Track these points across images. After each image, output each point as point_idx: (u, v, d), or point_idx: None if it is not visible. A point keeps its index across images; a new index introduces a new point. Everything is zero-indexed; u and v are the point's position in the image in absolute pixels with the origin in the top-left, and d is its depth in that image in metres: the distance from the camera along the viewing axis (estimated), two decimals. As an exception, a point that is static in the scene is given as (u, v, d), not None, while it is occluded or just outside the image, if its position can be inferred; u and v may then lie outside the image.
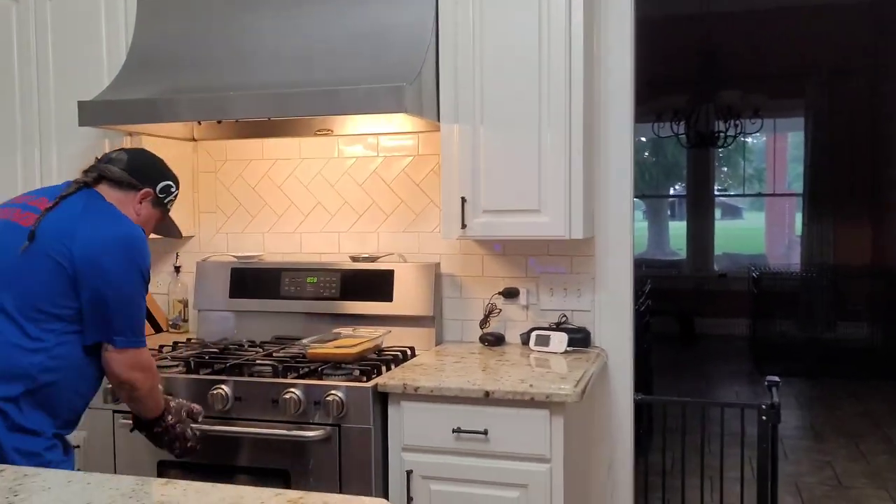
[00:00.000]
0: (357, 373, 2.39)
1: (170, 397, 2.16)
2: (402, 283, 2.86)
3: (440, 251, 2.96)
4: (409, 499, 2.31)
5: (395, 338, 2.83)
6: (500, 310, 2.89)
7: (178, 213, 3.23)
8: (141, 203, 2.04)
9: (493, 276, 2.91)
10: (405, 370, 2.44)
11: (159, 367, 2.53)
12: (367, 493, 2.30)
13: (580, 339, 2.74)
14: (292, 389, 2.33)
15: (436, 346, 2.85)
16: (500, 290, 2.88)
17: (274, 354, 2.67)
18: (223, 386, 2.39)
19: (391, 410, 2.35)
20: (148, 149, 2.92)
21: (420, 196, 2.97)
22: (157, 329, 3.21)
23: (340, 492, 2.31)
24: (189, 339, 2.97)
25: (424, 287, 2.85)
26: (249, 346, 2.85)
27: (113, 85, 2.80)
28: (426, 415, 2.31)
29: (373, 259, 2.94)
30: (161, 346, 2.82)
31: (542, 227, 2.55)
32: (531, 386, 2.22)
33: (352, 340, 2.58)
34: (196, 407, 2.20)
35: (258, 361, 2.55)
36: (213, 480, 1.39)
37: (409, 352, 2.72)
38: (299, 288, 2.96)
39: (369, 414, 2.29)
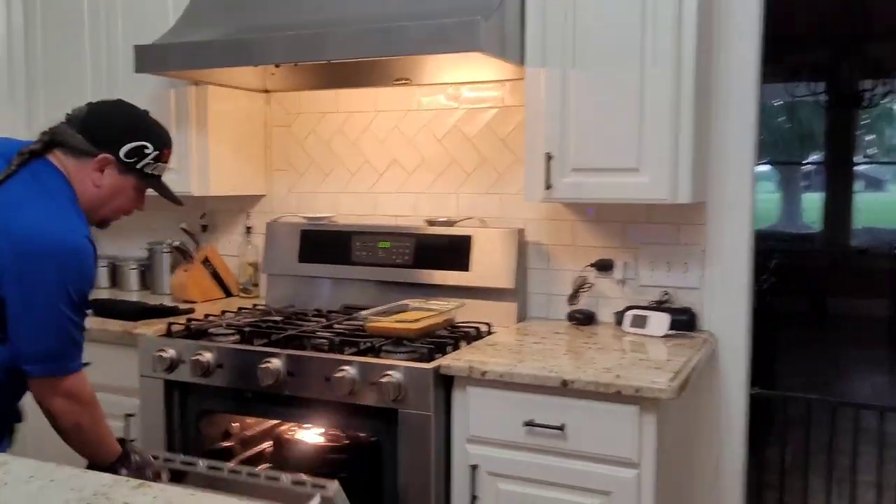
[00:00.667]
0: (422, 351, 2.10)
1: (134, 445, 1.81)
2: (481, 250, 2.55)
3: (526, 216, 2.62)
4: (474, 498, 2.02)
5: (471, 312, 2.52)
6: (592, 284, 2.53)
7: (249, 170, 3.08)
8: (102, 172, 1.67)
9: (586, 246, 2.55)
10: (475, 350, 2.14)
11: (213, 335, 2.34)
12: (426, 489, 2.02)
13: (684, 322, 2.35)
14: (346, 367, 2.07)
15: (517, 322, 2.53)
16: (593, 262, 2.52)
17: (335, 326, 2.42)
18: (274, 359, 2.16)
19: (456, 396, 2.05)
20: (213, 101, 2.75)
21: (504, 153, 2.64)
22: (227, 293, 3.03)
23: (395, 487, 2.05)
24: (255, 306, 2.77)
25: (506, 256, 2.52)
26: (314, 316, 2.62)
27: (176, 27, 2.59)
28: (495, 403, 2.00)
29: (450, 223, 2.64)
30: (223, 312, 2.63)
31: (640, 189, 2.17)
32: (618, 377, 1.86)
33: (417, 314, 2.29)
34: (164, 476, 1.79)
35: (318, 333, 2.30)
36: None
37: (484, 328, 2.41)
38: (371, 253, 2.70)
39: (429, 399, 2.01)
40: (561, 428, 1.91)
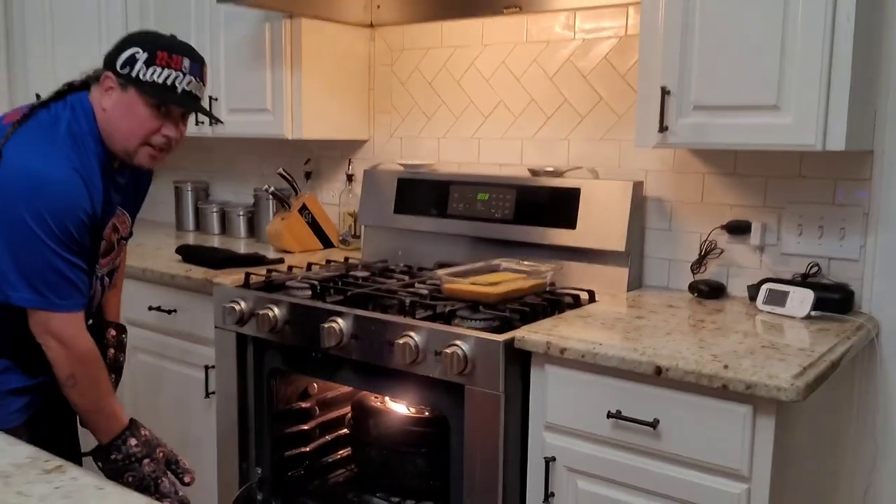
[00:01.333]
0: (500, 319, 1.80)
1: (142, 426, 1.68)
2: (590, 205, 2.19)
3: (647, 166, 2.22)
4: (550, 494, 1.71)
5: (575, 276, 2.19)
6: (723, 250, 2.10)
7: (350, 113, 2.85)
8: (106, 93, 1.56)
9: (717, 203, 2.12)
10: (562, 322, 1.80)
11: (288, 287, 2.15)
12: (493, 479, 1.74)
13: (836, 301, 1.88)
14: (411, 333, 1.81)
15: (627, 291, 2.16)
16: (725, 224, 2.09)
17: (416, 285, 2.16)
18: (339, 319, 1.94)
19: (534, 375, 1.74)
20: (309, 36, 2.54)
21: (625, 92, 2.24)
22: (327, 244, 2.86)
23: (461, 473, 1.78)
24: (346, 259, 2.56)
25: (619, 212, 2.14)
26: (401, 273, 2.37)
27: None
28: (576, 387, 1.67)
29: (557, 174, 2.29)
30: (310, 265, 2.45)
31: (781, 133, 1.72)
32: (726, 367, 1.47)
33: (502, 276, 1.99)
34: (184, 462, 1.71)
35: (391, 293, 2.06)
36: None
37: (584, 297, 2.07)
38: (468, 206, 2.41)
39: (498, 377, 1.71)
40: (653, 424, 1.56)
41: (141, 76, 1.54)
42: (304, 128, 2.58)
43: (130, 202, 1.80)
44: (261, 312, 2.08)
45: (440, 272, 2.00)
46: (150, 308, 2.48)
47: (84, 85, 1.63)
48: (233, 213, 3.12)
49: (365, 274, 2.33)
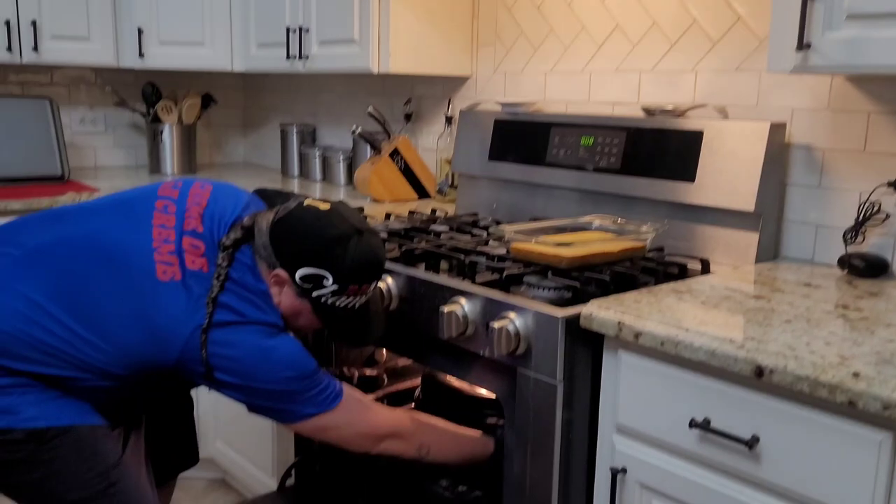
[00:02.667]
0: (576, 289, 1.43)
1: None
2: (715, 153, 1.74)
3: (792, 104, 1.73)
4: (618, 514, 1.35)
5: (692, 241, 1.76)
6: (888, 215, 1.59)
7: (453, 46, 2.48)
8: (278, 288, 1.43)
9: (885, 154, 1.61)
10: (650, 297, 1.40)
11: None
12: (546, 487, 1.39)
13: None
14: (460, 300, 1.48)
15: (757, 262, 1.70)
16: (893, 180, 1.57)
17: (491, 243, 1.82)
18: (388, 278, 1.65)
19: (606, 362, 1.37)
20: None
21: (769, 9, 1.75)
22: (422, 194, 2.57)
23: (512, 472, 1.45)
24: (433, 211, 2.26)
25: (751, 162, 1.68)
26: (483, 228, 2.04)
27: None
28: (654, 383, 1.28)
29: (676, 113, 1.85)
30: (388, 215, 2.17)
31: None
32: (856, 375, 1.03)
33: (583, 236, 1.61)
34: None
35: (464, 251, 1.73)
36: None
37: (694, 266, 1.65)
38: (570, 152, 2.02)
39: (556, 361, 1.35)
40: (749, 443, 1.14)
41: (322, 300, 1.42)
42: (392, 60, 2.28)
43: None
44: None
45: (507, 228, 1.64)
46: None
47: (248, 233, 1.44)
48: (333, 159, 2.90)
49: (444, 228, 2.01)
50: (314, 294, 1.41)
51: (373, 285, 1.47)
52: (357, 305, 1.46)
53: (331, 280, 1.40)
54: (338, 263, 1.39)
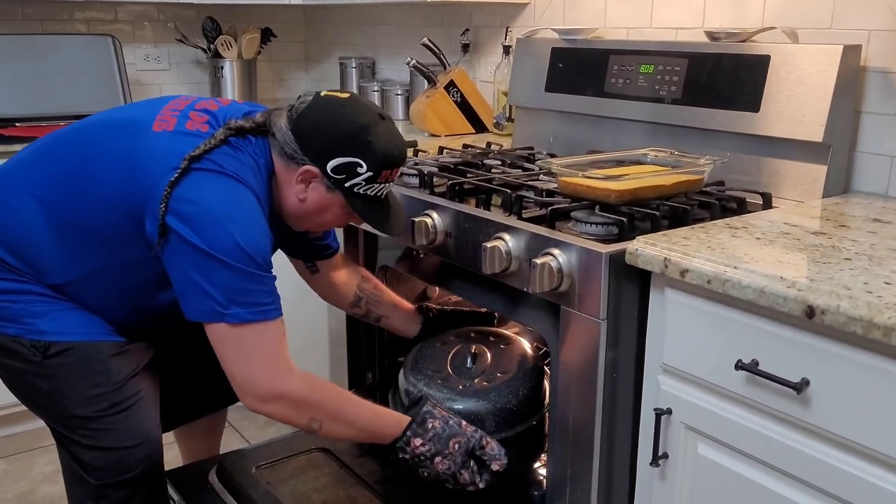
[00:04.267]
0: (623, 225, 1.38)
1: (433, 417, 1.49)
2: (782, 79, 1.63)
3: (870, 25, 1.60)
4: (662, 455, 1.31)
5: (757, 174, 1.67)
6: (972, 144, 1.47)
7: None
8: (307, 185, 1.39)
9: (971, 77, 1.48)
10: (702, 232, 1.34)
11: (402, 174, 1.84)
12: (587, 430, 1.36)
13: None
14: (503, 236, 1.45)
15: (824, 197, 1.60)
16: (979, 106, 1.45)
17: (542, 177, 1.76)
18: (433, 213, 1.62)
19: (653, 300, 1.32)
20: None
21: (848, -81, 1.61)
22: (480, 129, 2.51)
23: (554, 417, 1.42)
24: (488, 144, 2.20)
25: (820, 89, 1.57)
26: (535, 161, 1.98)
27: None
28: (701, 322, 1.23)
29: (741, 37, 1.73)
30: (442, 149, 2.13)
31: None
32: (916, 318, 0.96)
33: (635, 169, 1.54)
34: (491, 445, 1.52)
35: (512, 185, 1.68)
36: None
37: (755, 200, 1.57)
38: (629, 82, 1.93)
39: (599, 300, 1.30)
40: (798, 387, 1.09)
41: (356, 189, 1.38)
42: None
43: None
44: (360, 201, 1.81)
45: (555, 161, 1.58)
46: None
47: (256, 129, 1.39)
48: (391, 93, 2.86)
49: (496, 162, 1.96)
50: (347, 184, 1.38)
51: (400, 170, 1.44)
52: (387, 193, 1.44)
53: (365, 168, 1.37)
54: (370, 150, 1.36)
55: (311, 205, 1.41)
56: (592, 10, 2.18)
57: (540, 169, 1.82)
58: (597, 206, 1.45)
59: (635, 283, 1.33)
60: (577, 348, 1.36)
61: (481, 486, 1.50)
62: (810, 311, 1.05)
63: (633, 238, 1.32)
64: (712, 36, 1.78)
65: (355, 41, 3.24)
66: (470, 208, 1.58)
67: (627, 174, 1.48)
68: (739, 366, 1.16)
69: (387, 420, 1.48)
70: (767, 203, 1.56)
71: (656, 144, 1.81)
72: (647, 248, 1.27)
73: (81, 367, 1.40)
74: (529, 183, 1.68)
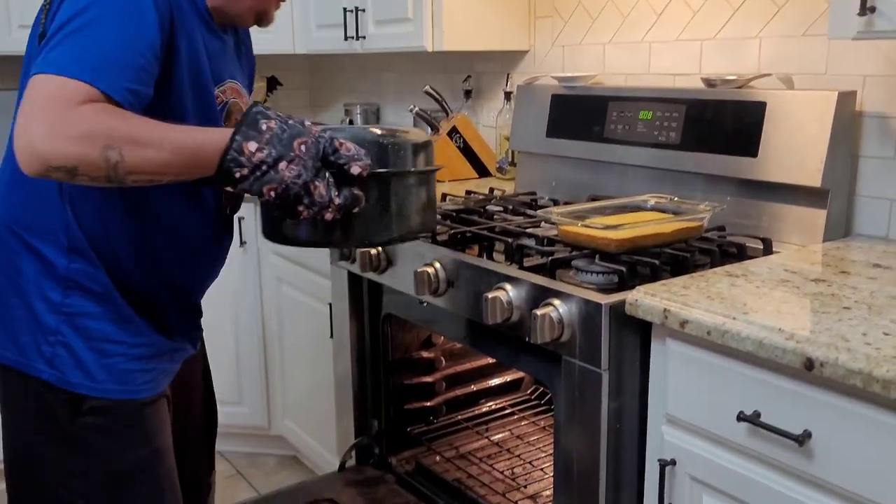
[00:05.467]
0: (623, 274, 1.38)
1: (264, 118, 1.10)
2: (779, 125, 1.64)
3: (864, 70, 1.62)
4: (667, 506, 1.30)
5: (756, 219, 1.68)
6: (970, 188, 1.48)
7: (509, 20, 2.37)
8: None
9: (966, 121, 1.49)
10: (702, 281, 1.34)
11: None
12: (592, 483, 1.36)
13: None
14: (504, 286, 1.46)
15: (825, 241, 1.60)
16: (976, 150, 1.46)
17: (543, 225, 1.77)
18: (436, 263, 1.63)
19: (654, 351, 1.32)
20: None
21: (838, -33, 1.63)
22: (483, 173, 2.53)
23: (561, 460, 1.42)
24: (491, 190, 2.22)
25: (817, 134, 1.58)
26: (538, 207, 1.99)
27: None
28: (703, 373, 1.23)
29: (738, 84, 1.75)
30: (444, 196, 2.15)
31: None
32: (914, 370, 0.96)
33: (634, 217, 1.55)
34: (346, 147, 1.12)
35: (513, 233, 1.70)
36: None
37: (755, 246, 1.57)
38: (628, 127, 1.95)
39: (601, 348, 1.31)
40: (799, 439, 1.08)
41: None
42: (445, 38, 2.25)
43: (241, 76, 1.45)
44: (362, 251, 1.83)
45: (554, 210, 1.60)
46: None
47: None
48: (395, 138, 2.89)
49: (498, 209, 1.98)
50: None
51: None
52: None
53: None
54: None
55: None
56: (591, 57, 2.21)
57: (536, 218, 1.83)
58: (597, 255, 1.46)
59: (637, 332, 1.33)
60: (580, 398, 1.36)
61: (338, 201, 1.11)
62: (809, 364, 1.05)
63: (634, 287, 1.32)
64: (709, 82, 1.80)
65: (360, 88, 3.28)
66: (472, 258, 1.60)
67: (627, 223, 1.49)
68: (741, 417, 1.16)
69: (208, 134, 1.11)
70: (768, 248, 1.57)
71: (658, 189, 1.82)
72: (646, 299, 1.27)
73: (112, 429, 1.29)
74: (530, 231, 1.70)
